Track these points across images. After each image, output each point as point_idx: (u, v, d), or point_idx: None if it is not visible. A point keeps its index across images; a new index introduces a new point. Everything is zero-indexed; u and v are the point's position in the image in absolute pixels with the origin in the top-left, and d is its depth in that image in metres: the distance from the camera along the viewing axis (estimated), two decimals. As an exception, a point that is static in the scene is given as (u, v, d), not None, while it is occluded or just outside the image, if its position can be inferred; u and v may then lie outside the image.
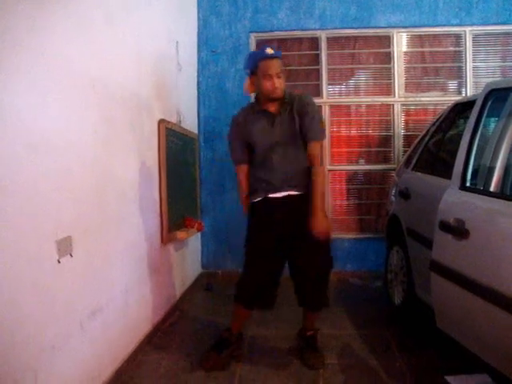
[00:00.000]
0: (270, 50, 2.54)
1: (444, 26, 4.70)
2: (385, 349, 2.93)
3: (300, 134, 2.62)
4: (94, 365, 2.31)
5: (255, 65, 2.57)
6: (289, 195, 2.62)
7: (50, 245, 1.94)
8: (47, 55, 1.93)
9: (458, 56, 4.77)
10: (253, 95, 2.94)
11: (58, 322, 1.99)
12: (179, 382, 2.58)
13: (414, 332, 3.15)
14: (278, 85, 2.55)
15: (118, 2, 2.70)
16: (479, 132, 2.27)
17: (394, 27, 4.74)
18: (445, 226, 2.18)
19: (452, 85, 4.85)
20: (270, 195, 2.64)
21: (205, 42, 4.85)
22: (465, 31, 4.70)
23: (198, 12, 4.84)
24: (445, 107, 3.60)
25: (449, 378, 2.45)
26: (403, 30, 4.75)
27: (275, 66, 2.54)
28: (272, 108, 2.64)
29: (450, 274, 2.10)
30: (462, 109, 2.94)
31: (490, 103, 2.27)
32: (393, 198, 3.73)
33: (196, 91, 4.83)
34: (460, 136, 2.48)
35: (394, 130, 4.82)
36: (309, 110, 2.61)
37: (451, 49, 4.78)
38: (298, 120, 2.60)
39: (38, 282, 1.85)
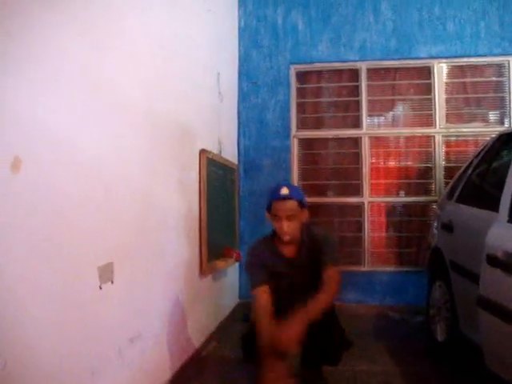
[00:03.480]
0: (284, 191, 2.39)
1: (486, 56, 4.65)
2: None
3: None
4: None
5: (270, 204, 2.45)
6: None
7: (92, 271, 1.97)
8: (99, 82, 2.00)
9: (500, 86, 4.70)
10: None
11: (98, 347, 2.00)
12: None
13: (459, 371, 3.02)
14: (287, 228, 2.38)
15: (164, 35, 2.79)
16: (527, 163, 2.21)
17: (434, 58, 4.72)
18: (493, 260, 2.10)
19: (494, 115, 4.77)
20: None
21: (246, 73, 4.94)
22: (508, 61, 4.64)
23: (239, 44, 4.96)
24: (487, 138, 3.54)
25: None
26: (444, 60, 4.73)
27: (287, 208, 2.37)
28: (289, 252, 2.51)
29: (499, 311, 2.02)
30: (507, 139, 2.88)
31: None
32: (435, 231, 3.65)
33: (236, 122, 4.91)
34: (506, 167, 2.43)
35: (434, 161, 4.75)
36: (331, 244, 2.51)
37: (493, 79, 4.72)
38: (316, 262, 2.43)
39: (80, 308, 1.87)
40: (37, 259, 1.59)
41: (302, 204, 2.44)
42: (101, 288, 2.02)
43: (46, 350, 1.64)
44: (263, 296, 2.39)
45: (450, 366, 3.11)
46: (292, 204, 2.39)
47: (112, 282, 2.11)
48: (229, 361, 3.32)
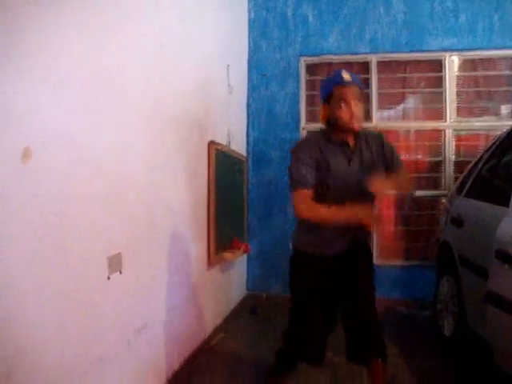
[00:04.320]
0: (346, 76, 2.15)
1: (499, 49, 4.59)
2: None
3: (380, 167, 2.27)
4: (140, 381, 2.33)
5: (329, 91, 2.18)
6: (349, 248, 2.25)
7: (101, 261, 1.99)
8: (102, 81, 2.01)
9: (512, 80, 4.65)
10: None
11: (107, 336, 2.02)
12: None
13: (466, 365, 3.02)
14: (356, 112, 2.13)
15: (173, 27, 2.79)
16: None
17: (446, 51, 4.67)
18: (502, 255, 2.09)
19: (506, 109, 4.71)
20: (333, 253, 2.24)
21: (255, 65, 4.92)
22: (521, 55, 4.58)
23: (249, 36, 4.93)
24: (498, 132, 3.50)
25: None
26: (456, 53, 4.67)
27: (353, 93, 2.14)
28: (348, 139, 2.22)
29: (508, 306, 2.01)
30: (519, 134, 2.85)
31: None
32: (444, 225, 3.63)
33: (246, 114, 4.90)
34: (518, 162, 2.41)
35: (444, 155, 4.71)
36: (390, 147, 2.36)
37: (506, 72, 4.66)
38: (380, 157, 2.29)
39: (89, 298, 1.89)
40: (46, 250, 1.61)
41: (362, 92, 2.21)
42: (109, 278, 2.03)
43: (55, 340, 1.66)
44: (310, 197, 2.13)
45: (457, 360, 3.10)
46: (357, 89, 2.17)
47: (120, 273, 2.13)
48: (236, 352, 3.34)
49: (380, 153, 2.29)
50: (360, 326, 2.25)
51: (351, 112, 2.12)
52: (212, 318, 3.62)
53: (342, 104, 2.13)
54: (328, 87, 2.20)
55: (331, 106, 2.18)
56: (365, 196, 2.13)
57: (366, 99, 4.79)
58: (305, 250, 2.27)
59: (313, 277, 2.24)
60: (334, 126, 2.22)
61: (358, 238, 2.25)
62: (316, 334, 2.28)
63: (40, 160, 1.55)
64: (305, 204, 2.14)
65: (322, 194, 2.17)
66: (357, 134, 2.23)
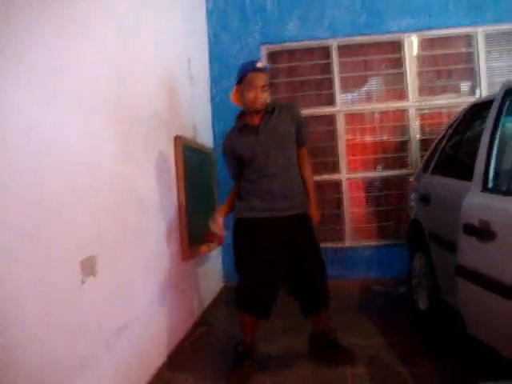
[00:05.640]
0: (260, 64, 2.71)
1: (454, 27, 4.68)
2: (413, 356, 2.88)
3: (293, 141, 2.81)
4: (122, 381, 2.32)
5: (243, 75, 2.69)
6: (285, 216, 2.73)
7: (74, 265, 1.96)
8: (66, 74, 1.96)
9: (470, 57, 4.75)
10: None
11: (86, 341, 2.00)
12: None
13: (442, 338, 3.09)
14: (260, 96, 2.66)
15: (130, 20, 2.74)
16: (499, 132, 2.24)
17: (404, 32, 4.73)
18: (469, 229, 2.14)
19: (465, 86, 4.81)
20: (268, 215, 2.73)
21: (216, 56, 4.89)
22: (476, 32, 4.67)
23: (208, 28, 4.90)
24: (459, 109, 3.57)
25: (482, 386, 2.39)
26: (413, 33, 4.74)
27: (261, 79, 2.66)
28: (255, 120, 2.76)
29: (476, 278, 2.07)
30: (479, 109, 2.91)
31: (508, 102, 2.25)
32: (413, 203, 3.70)
33: (210, 106, 4.87)
34: (479, 137, 2.46)
35: (409, 134, 4.80)
36: (301, 118, 2.87)
37: (463, 50, 4.76)
38: (290, 124, 2.78)
39: (64, 304, 1.86)
40: (15, 257, 1.57)
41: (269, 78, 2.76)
42: (83, 282, 2.01)
43: (31, 348, 1.63)
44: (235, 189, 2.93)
45: (431, 332, 3.18)
46: (265, 76, 2.70)
47: (94, 276, 2.10)
48: (218, 343, 3.35)
49: (291, 122, 2.78)
50: (306, 284, 2.78)
51: (256, 96, 2.65)
52: (191, 311, 3.62)
53: (252, 88, 2.65)
54: (242, 72, 2.70)
55: (242, 89, 2.70)
56: (282, 166, 2.71)
57: (328, 84, 4.83)
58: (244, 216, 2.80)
59: (249, 237, 2.75)
60: (244, 110, 2.80)
61: (291, 206, 2.74)
62: (261, 289, 2.71)
63: (1, 161, 1.51)
64: (230, 192, 3.00)
65: (245, 173, 2.79)
66: (265, 111, 2.74)
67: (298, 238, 2.75)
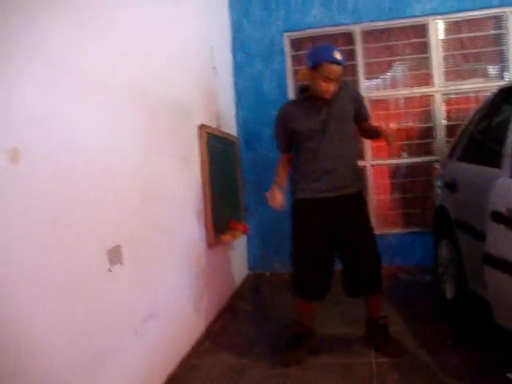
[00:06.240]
0: (337, 55, 2.58)
1: (483, 8, 4.54)
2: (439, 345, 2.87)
3: (352, 122, 2.80)
4: (148, 370, 2.36)
5: (319, 62, 2.59)
6: (340, 195, 2.73)
7: (101, 255, 2.00)
8: (89, 64, 1.99)
9: (499, 39, 4.61)
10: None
11: (112, 328, 2.04)
12: (233, 385, 2.60)
13: (469, 327, 3.06)
14: (332, 89, 2.63)
15: (153, 9, 2.75)
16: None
17: (429, 15, 4.62)
18: (497, 217, 2.11)
19: (494, 70, 4.68)
20: (320, 195, 2.73)
21: (239, 44, 4.87)
22: (506, 12, 4.53)
23: (231, 15, 4.87)
24: (487, 94, 3.49)
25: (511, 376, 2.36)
26: (440, 17, 4.63)
27: (336, 73, 2.60)
28: (320, 101, 2.71)
29: (505, 266, 2.04)
30: (508, 94, 2.84)
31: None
32: (439, 190, 3.65)
33: (233, 94, 4.86)
34: (507, 123, 2.41)
35: (435, 120, 4.71)
36: (359, 95, 2.91)
37: (492, 32, 4.62)
38: (350, 103, 2.76)
39: (92, 293, 1.90)
40: (43, 249, 1.61)
41: None
42: (110, 270, 2.05)
43: (60, 338, 1.68)
44: (285, 159, 2.96)
45: (459, 322, 3.15)
46: (341, 69, 2.62)
47: (121, 264, 2.14)
48: (243, 330, 3.38)
49: (350, 101, 2.77)
50: (355, 264, 2.76)
51: (328, 88, 2.61)
52: (216, 299, 3.65)
53: (325, 79, 2.59)
54: (318, 57, 2.60)
55: (315, 75, 2.62)
56: (338, 147, 2.71)
57: (352, 71, 4.77)
58: (297, 197, 2.83)
59: (307, 219, 2.77)
60: (310, 91, 2.73)
61: (345, 185, 2.74)
62: (313, 272, 2.74)
63: (30, 158, 1.54)
64: (278, 163, 3.00)
65: (298, 150, 2.81)
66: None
67: (350, 219, 2.75)
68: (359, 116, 2.83)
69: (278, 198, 2.77)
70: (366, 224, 2.83)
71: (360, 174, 2.87)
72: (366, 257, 2.76)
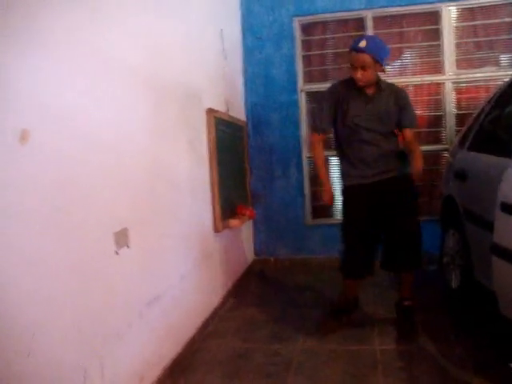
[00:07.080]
0: (362, 44, 2.70)
1: (498, -6, 4.46)
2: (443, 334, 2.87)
3: (394, 122, 2.95)
4: (154, 352, 2.38)
5: (349, 51, 2.82)
6: (382, 179, 2.92)
7: (108, 237, 2.00)
8: (99, 48, 1.98)
9: (513, 27, 4.53)
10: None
11: (119, 310, 2.06)
12: (237, 368, 2.63)
13: (474, 317, 3.06)
14: (360, 76, 2.75)
15: (164, -5, 2.73)
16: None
17: (442, 1, 4.54)
18: (506, 208, 2.10)
19: (507, 59, 4.61)
20: (364, 181, 2.92)
21: (249, 28, 4.81)
22: (521, -1, 4.45)
23: (241, -1, 4.81)
24: (499, 83, 3.45)
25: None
26: (453, 3, 4.55)
27: (359, 60, 2.71)
28: (368, 89, 2.87)
29: (513, 257, 2.03)
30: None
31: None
32: (447, 179, 3.63)
33: (242, 78, 4.83)
34: (520, 113, 2.38)
35: (445, 109, 4.66)
36: (406, 101, 2.98)
37: (506, 20, 4.54)
38: (397, 109, 2.92)
39: (99, 274, 1.91)
40: (50, 231, 1.62)
41: (376, 58, 2.73)
42: (117, 253, 2.06)
43: (66, 319, 1.69)
44: (322, 142, 3.06)
45: (464, 312, 3.15)
46: (365, 57, 2.71)
47: (128, 247, 2.15)
48: (247, 316, 3.40)
49: (395, 103, 2.91)
50: (398, 240, 2.91)
51: (355, 75, 2.76)
52: (222, 284, 3.67)
53: (351, 66, 2.78)
54: (350, 47, 2.79)
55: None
56: (379, 139, 2.88)
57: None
58: (346, 184, 3.02)
59: (353, 202, 2.96)
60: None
61: (387, 170, 2.92)
62: (357, 251, 2.94)
63: (38, 139, 1.54)
64: (312, 145, 3.11)
65: (340, 136, 2.98)
66: (377, 86, 2.88)
67: (394, 199, 2.91)
68: (399, 120, 2.95)
69: (332, 196, 3.09)
70: (409, 205, 2.97)
71: (405, 158, 3.02)
72: (408, 234, 2.91)
